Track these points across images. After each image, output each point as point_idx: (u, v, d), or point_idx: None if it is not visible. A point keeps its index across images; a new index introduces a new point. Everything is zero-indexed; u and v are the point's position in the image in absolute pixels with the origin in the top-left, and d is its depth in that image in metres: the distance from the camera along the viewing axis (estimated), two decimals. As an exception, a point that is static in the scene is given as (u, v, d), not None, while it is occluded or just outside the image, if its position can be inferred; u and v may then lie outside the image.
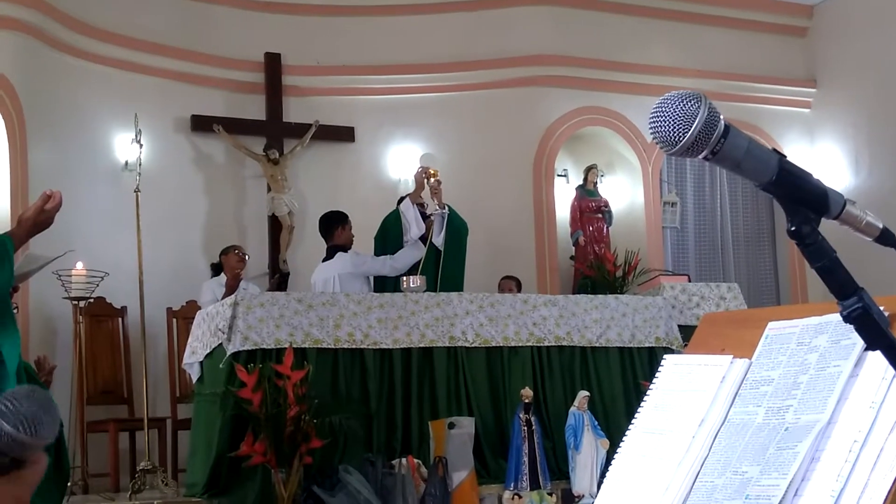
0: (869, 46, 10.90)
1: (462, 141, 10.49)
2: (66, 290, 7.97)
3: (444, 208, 8.35)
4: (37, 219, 4.11)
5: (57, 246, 5.92)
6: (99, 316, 8.63)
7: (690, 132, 1.24)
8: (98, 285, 8.10)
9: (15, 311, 5.17)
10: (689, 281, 8.93)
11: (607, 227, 10.53)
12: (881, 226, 1.33)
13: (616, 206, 10.76)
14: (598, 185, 10.74)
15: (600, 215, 10.51)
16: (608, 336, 7.48)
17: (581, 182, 10.68)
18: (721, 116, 1.25)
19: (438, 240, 8.32)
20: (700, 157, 1.26)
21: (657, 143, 1.27)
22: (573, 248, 10.48)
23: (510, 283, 9.62)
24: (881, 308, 1.31)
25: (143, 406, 7.79)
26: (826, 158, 11.34)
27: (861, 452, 1.45)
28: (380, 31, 10.48)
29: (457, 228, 8.39)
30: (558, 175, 10.81)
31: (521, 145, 10.51)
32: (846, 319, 1.25)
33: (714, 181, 11.42)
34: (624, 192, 11.07)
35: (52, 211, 4.08)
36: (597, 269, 9.84)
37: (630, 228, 10.83)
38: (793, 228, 1.26)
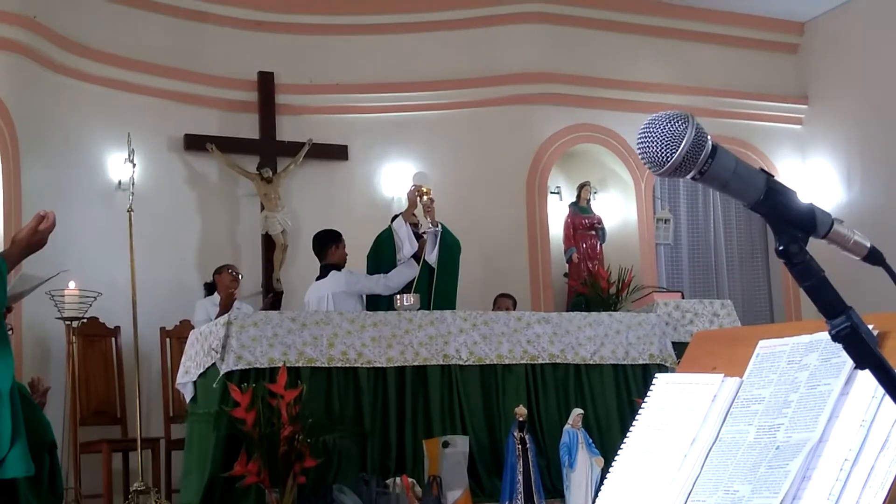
0: (860, 62, 10.94)
1: (455, 159, 10.50)
2: (59, 311, 7.96)
3: (436, 226, 8.36)
4: (30, 239, 4.10)
5: (50, 266, 5.91)
6: (92, 336, 8.61)
7: (678, 153, 1.24)
8: (91, 305, 8.09)
9: (10, 332, 5.16)
10: (683, 297, 8.92)
11: (600, 244, 10.53)
12: (868, 245, 1.33)
13: (609, 223, 10.76)
14: (592, 201, 10.74)
15: (593, 232, 10.51)
16: (602, 353, 7.48)
17: (574, 199, 10.69)
18: (709, 137, 1.26)
19: (431, 257, 8.32)
20: (688, 177, 1.26)
21: (645, 164, 1.27)
22: (567, 265, 10.49)
23: (507, 302, 9.60)
24: (870, 326, 1.31)
25: (137, 426, 7.77)
26: (818, 175, 11.37)
27: (852, 471, 1.46)
28: (372, 50, 10.50)
29: (450, 246, 8.40)
30: (551, 192, 10.82)
31: (514, 163, 10.52)
32: (834, 338, 1.26)
33: (707, 198, 11.44)
34: (617, 208, 11.08)
35: (46, 231, 4.08)
36: (590, 286, 9.83)
37: (623, 245, 10.83)
38: (780, 248, 1.27)
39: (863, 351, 1.26)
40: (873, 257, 1.34)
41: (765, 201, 1.27)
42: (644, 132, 1.27)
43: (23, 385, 4.86)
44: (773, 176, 1.29)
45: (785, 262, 1.27)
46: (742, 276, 11.55)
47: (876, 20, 10.75)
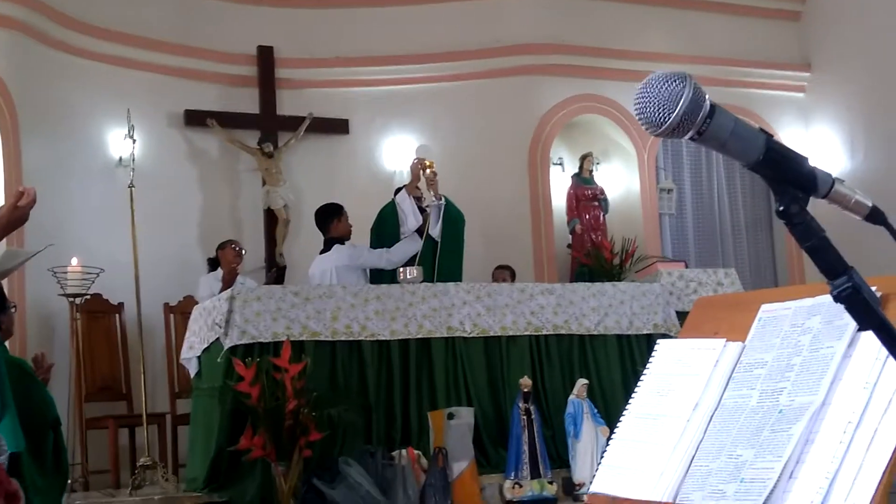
0: (862, 29, 10.88)
1: (457, 131, 10.47)
2: (62, 287, 7.97)
3: (440, 199, 8.33)
4: (10, 216, 4.04)
5: (52, 243, 5.91)
6: (96, 312, 8.62)
7: (675, 113, 1.22)
8: (94, 282, 8.10)
9: (13, 309, 5.16)
10: (686, 267, 8.91)
11: (604, 215, 10.51)
12: (870, 204, 1.31)
13: (612, 194, 10.74)
14: (594, 172, 10.71)
15: (596, 203, 10.49)
16: (606, 324, 7.48)
17: (577, 170, 10.66)
18: (706, 96, 1.24)
19: (435, 231, 8.29)
20: (686, 137, 1.25)
21: (643, 125, 1.26)
22: (570, 236, 10.47)
23: (504, 273, 9.60)
24: (873, 288, 1.30)
25: (142, 402, 7.78)
26: (821, 142, 11.33)
27: (855, 433, 1.45)
28: (372, 22, 10.45)
29: (453, 219, 8.37)
30: (554, 163, 10.79)
31: (517, 134, 10.49)
32: (836, 299, 1.24)
33: (711, 167, 11.40)
34: (620, 179, 11.05)
35: (26, 207, 4.02)
36: (594, 256, 9.82)
37: (626, 216, 10.81)
38: (781, 208, 1.25)
39: (865, 312, 1.24)
40: (875, 217, 1.32)
41: (764, 161, 1.26)
42: (641, 93, 1.25)
43: (25, 361, 4.86)
44: (772, 136, 1.27)
45: (785, 223, 1.26)
46: (749, 244, 11.53)
47: (878, -14, 10.69)
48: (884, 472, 1.38)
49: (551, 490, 6.62)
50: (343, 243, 8.28)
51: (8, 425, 4.01)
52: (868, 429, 1.44)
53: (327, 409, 6.28)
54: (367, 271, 8.25)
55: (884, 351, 1.33)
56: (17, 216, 4.03)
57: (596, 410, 6.80)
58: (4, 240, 4.50)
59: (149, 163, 9.17)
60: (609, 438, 1.80)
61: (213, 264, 8.87)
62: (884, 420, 1.43)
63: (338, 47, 10.37)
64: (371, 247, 8.31)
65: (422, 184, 8.49)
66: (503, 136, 10.44)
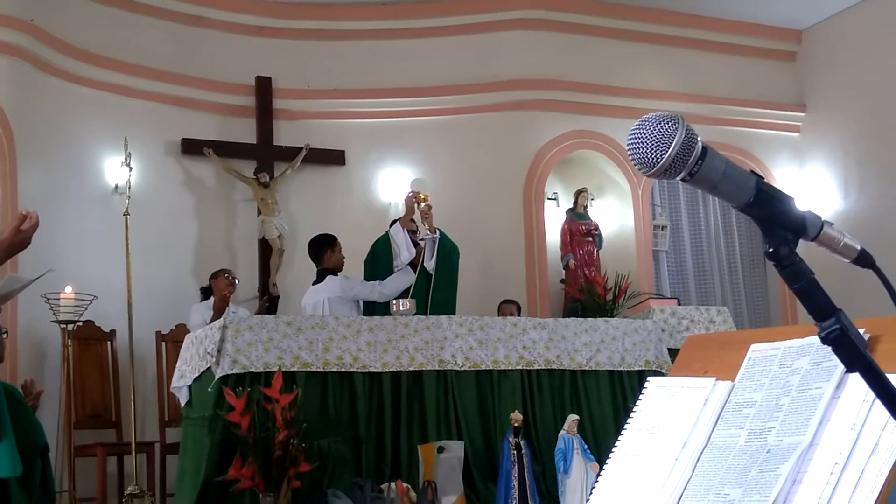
0: (858, 70, 10.95)
1: (452, 164, 10.50)
2: (54, 314, 7.95)
3: (435, 233, 8.35)
4: (13, 239, 4.03)
5: (46, 269, 5.90)
6: (87, 339, 8.60)
7: (668, 154, 1.24)
8: (87, 309, 8.09)
9: (4, 335, 5.15)
10: (679, 304, 8.92)
11: (597, 251, 10.53)
12: (859, 247, 1.33)
13: (606, 230, 10.77)
14: (589, 208, 10.74)
15: (590, 238, 10.51)
16: (598, 359, 7.47)
17: (571, 205, 10.69)
18: (699, 138, 1.25)
19: (430, 264, 8.31)
20: (678, 178, 1.26)
21: (635, 165, 1.27)
22: (563, 271, 10.48)
23: (510, 307, 9.60)
24: (861, 330, 1.30)
25: (132, 430, 7.76)
26: (815, 182, 11.37)
27: (842, 475, 1.45)
28: (370, 55, 10.50)
29: (448, 252, 8.39)
30: (548, 198, 10.82)
31: (512, 169, 10.53)
32: (824, 341, 1.25)
33: (707, 204, 11.44)
34: (614, 215, 11.08)
35: (29, 231, 4.01)
36: (587, 292, 9.82)
37: (620, 252, 10.83)
38: (770, 250, 1.26)
39: (852, 354, 1.25)
40: (863, 260, 1.33)
41: (755, 203, 1.27)
42: (634, 133, 1.27)
43: (15, 388, 4.84)
44: (763, 178, 1.28)
45: (775, 265, 1.27)
46: (745, 281, 11.54)
47: (873, 28, 10.76)
48: (870, 514, 1.39)
49: (540, 525, 6.60)
50: (336, 274, 8.29)
51: (6, 450, 4.00)
52: (855, 470, 1.45)
53: (317, 441, 6.26)
54: (360, 303, 8.26)
55: (871, 393, 1.34)
56: (19, 240, 4.03)
57: (586, 446, 6.78)
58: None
59: (145, 191, 9.18)
60: (598, 475, 1.80)
61: (206, 293, 8.88)
62: (870, 462, 1.44)
63: (335, 79, 10.41)
64: (364, 279, 8.32)
65: (416, 217, 8.51)
66: (498, 170, 10.48)
